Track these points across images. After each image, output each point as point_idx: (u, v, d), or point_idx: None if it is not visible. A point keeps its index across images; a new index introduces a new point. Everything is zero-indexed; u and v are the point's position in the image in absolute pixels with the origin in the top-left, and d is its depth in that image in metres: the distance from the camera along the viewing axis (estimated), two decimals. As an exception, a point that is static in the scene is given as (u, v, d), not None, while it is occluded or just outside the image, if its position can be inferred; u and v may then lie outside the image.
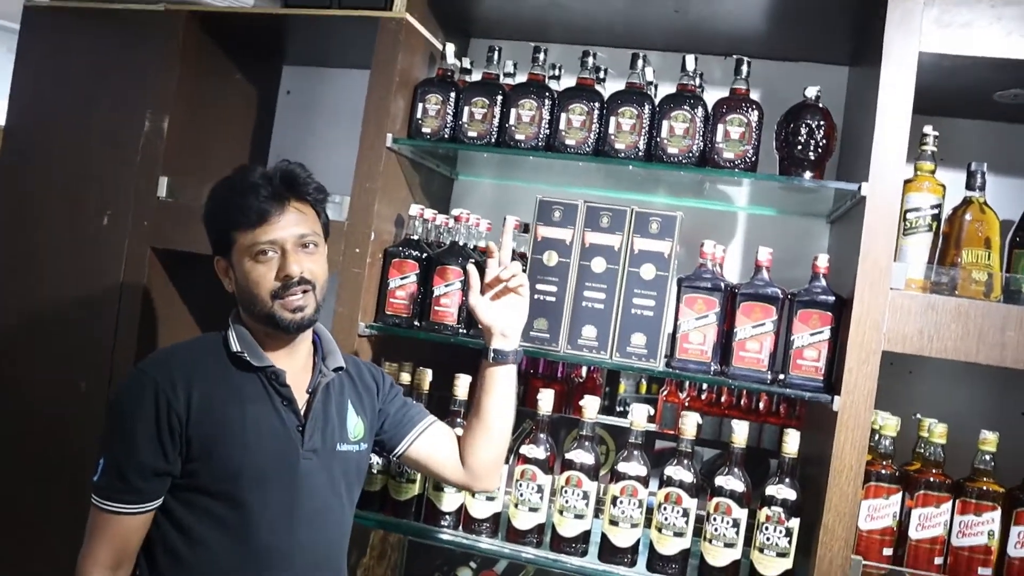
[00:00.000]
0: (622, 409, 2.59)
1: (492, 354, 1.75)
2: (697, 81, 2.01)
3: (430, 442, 1.76)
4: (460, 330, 2.06)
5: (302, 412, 1.58)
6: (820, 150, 1.87)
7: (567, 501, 1.90)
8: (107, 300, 2.29)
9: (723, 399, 2.34)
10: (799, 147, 1.86)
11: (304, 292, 1.55)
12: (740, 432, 1.84)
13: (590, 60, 2.04)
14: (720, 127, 1.89)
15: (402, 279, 2.09)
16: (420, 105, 2.14)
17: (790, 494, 1.79)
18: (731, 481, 1.82)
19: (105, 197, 2.32)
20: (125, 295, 2.28)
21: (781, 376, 1.84)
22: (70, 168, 2.36)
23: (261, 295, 1.53)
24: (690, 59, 1.96)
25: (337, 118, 2.71)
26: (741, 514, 1.81)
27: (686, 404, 2.44)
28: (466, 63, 2.25)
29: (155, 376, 1.49)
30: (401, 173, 2.18)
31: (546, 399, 1.95)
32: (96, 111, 2.35)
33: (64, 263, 2.34)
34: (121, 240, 2.29)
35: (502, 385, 1.75)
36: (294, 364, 1.61)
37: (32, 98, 2.44)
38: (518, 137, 2.04)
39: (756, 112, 1.89)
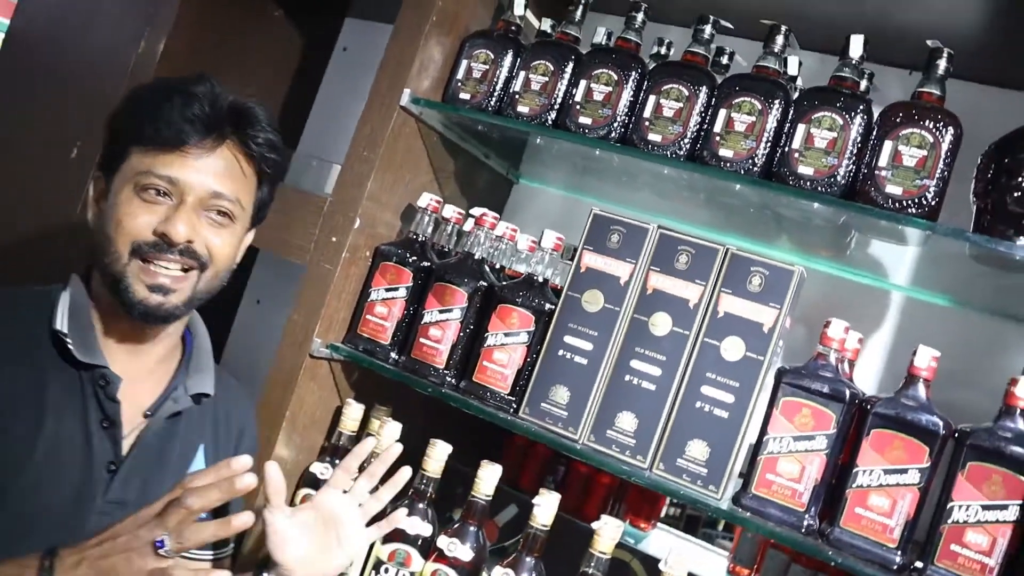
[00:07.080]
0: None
1: None
2: (864, 82, 1.33)
3: None
4: (447, 378, 1.43)
5: (126, 444, 1.03)
6: (1052, 206, 1.13)
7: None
8: (57, 245, 1.83)
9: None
10: (1017, 194, 1.13)
11: (183, 271, 1.03)
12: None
13: (708, 29, 1.39)
14: (888, 145, 1.19)
15: (388, 291, 1.49)
16: (464, 63, 1.54)
17: None
18: None
19: (80, 127, 1.87)
20: (77, 247, 1.81)
21: (919, 564, 1.10)
22: (59, 88, 1.94)
23: (118, 242, 1.02)
24: (856, 41, 1.26)
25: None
26: None
27: (773, 542, 1.75)
28: (546, 25, 1.64)
29: None
30: (423, 149, 1.59)
31: (545, 507, 1.29)
32: (98, 27, 1.93)
33: (26, 192, 1.92)
34: (84, 179, 1.83)
35: None
36: (141, 368, 1.08)
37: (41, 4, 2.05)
38: (583, 121, 1.41)
39: (951, 131, 1.17)
